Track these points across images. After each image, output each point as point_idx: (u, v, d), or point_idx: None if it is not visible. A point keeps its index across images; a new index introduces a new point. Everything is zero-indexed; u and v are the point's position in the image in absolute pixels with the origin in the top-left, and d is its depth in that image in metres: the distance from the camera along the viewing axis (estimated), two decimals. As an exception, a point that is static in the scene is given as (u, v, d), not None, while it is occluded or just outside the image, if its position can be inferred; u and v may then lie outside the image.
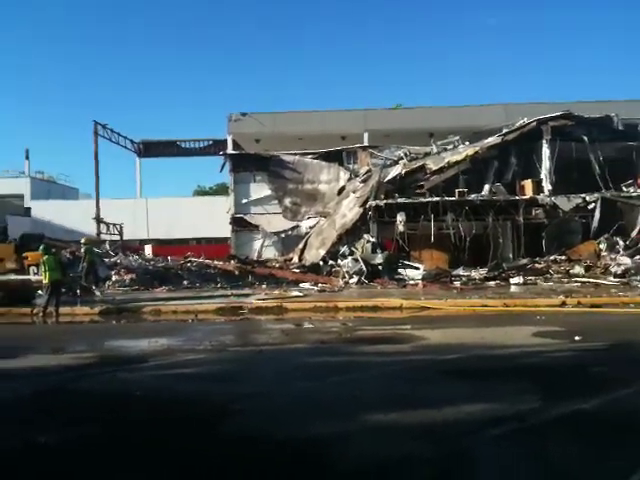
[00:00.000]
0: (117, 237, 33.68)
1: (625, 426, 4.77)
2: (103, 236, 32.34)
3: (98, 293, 18.22)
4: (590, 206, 23.84)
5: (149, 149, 43.31)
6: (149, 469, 4.16)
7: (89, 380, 7.17)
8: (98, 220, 32.45)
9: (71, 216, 36.41)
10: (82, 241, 20.48)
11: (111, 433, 4.96)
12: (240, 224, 29.28)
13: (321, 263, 23.23)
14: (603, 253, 21.59)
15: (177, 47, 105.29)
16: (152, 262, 23.84)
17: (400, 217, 23.53)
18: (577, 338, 8.96)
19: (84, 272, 18.98)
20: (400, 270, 21.40)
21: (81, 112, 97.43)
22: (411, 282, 19.86)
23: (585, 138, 24.39)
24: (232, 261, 23.50)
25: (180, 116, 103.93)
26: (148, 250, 30.54)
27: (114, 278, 20.42)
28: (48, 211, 38.80)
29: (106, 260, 22.96)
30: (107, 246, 29.11)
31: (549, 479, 3.82)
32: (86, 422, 5.26)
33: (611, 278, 18.43)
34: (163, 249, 30.86)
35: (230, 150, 30.52)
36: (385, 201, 24.20)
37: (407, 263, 22.09)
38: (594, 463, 4.04)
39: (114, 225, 33.68)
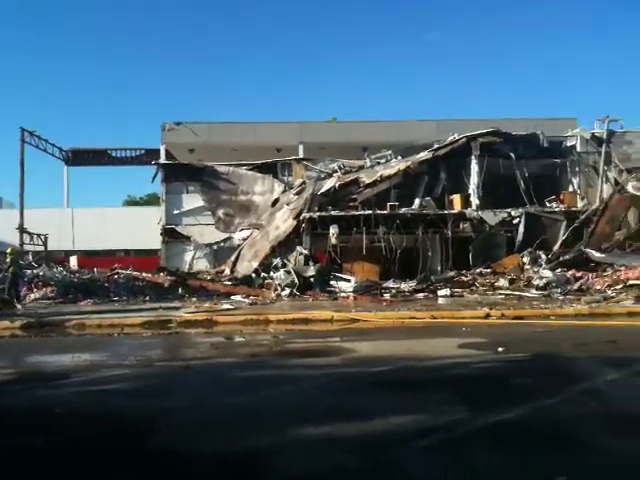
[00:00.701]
0: (41, 248, 32.43)
1: (547, 435, 4.92)
2: (26, 247, 31.05)
3: (19, 306, 17.45)
4: (515, 221, 24.76)
5: (78, 157, 41.89)
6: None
7: (8, 397, 6.83)
8: (21, 230, 31.14)
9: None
10: (7, 251, 19.57)
11: (26, 452, 4.72)
12: (171, 235, 28.71)
13: (253, 275, 23.06)
14: (526, 266, 22.40)
15: (110, 55, 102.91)
16: (77, 274, 23.03)
17: (333, 230, 23.72)
18: (500, 349, 9.21)
19: (7, 284, 18.16)
20: (332, 282, 21.54)
21: (7, 119, 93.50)
22: (342, 294, 19.98)
23: (512, 155, 25.38)
24: (162, 273, 23.00)
25: (112, 125, 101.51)
26: (73, 261, 29.52)
27: (34, 294, 19.54)
28: (-32, 220, 36.94)
29: (28, 272, 22.02)
30: (30, 257, 27.97)
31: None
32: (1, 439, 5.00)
33: (534, 291, 19.11)
34: (89, 260, 29.90)
35: (163, 160, 29.96)
36: (318, 213, 24.35)
37: (339, 275, 22.26)
38: (518, 471, 4.14)
39: (38, 235, 32.41)
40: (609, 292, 17.82)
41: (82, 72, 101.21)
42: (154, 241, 29.90)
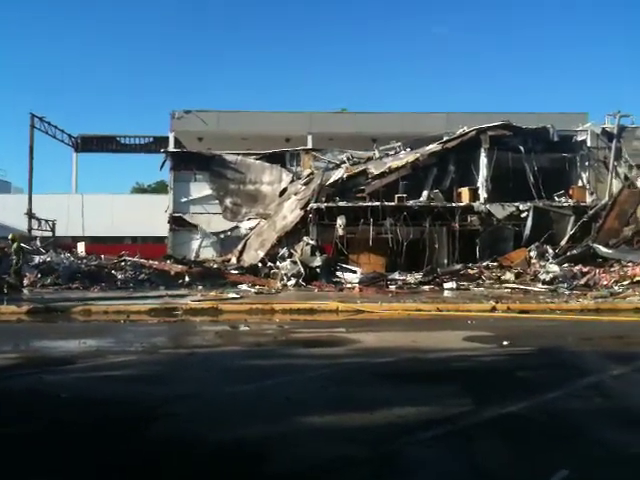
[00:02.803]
0: (49, 233, 32.52)
1: (552, 428, 4.92)
2: (34, 232, 31.14)
3: (26, 291, 17.55)
4: (523, 215, 24.67)
5: (87, 144, 41.97)
6: (75, 472, 4.00)
7: (14, 381, 6.87)
8: (30, 215, 31.24)
9: (1, 211, 34.91)
10: (9, 237, 19.62)
11: (32, 435, 4.75)
12: (178, 223, 28.75)
13: (259, 265, 23.10)
14: (533, 260, 22.33)
15: (120, 41, 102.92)
16: (84, 260, 23.10)
17: (340, 220, 23.70)
18: (506, 343, 9.20)
19: (13, 269, 18.25)
20: (338, 273, 21.55)
21: (18, 104, 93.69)
22: (348, 285, 19.99)
23: (521, 148, 25.26)
24: (168, 261, 23.04)
25: (121, 112, 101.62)
26: (81, 248, 29.57)
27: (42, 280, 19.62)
28: (-23, 205, 37.08)
29: (35, 257, 22.14)
30: (38, 243, 28.07)
31: (478, 479, 3.88)
32: (8, 423, 5.04)
33: (540, 285, 19.06)
34: (97, 247, 29.95)
35: (172, 148, 29.97)
36: (326, 204, 24.32)
37: (345, 266, 22.26)
38: (521, 463, 4.14)
39: (46, 221, 32.50)
40: (616, 288, 17.73)
41: (92, 59, 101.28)
42: (161, 229, 29.95)
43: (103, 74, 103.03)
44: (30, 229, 31.04)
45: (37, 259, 21.85)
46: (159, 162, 30.21)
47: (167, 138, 31.18)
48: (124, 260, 22.50)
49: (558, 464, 3.93)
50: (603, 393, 6.10)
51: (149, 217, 33.16)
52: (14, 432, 4.85)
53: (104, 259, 23.50)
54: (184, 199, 28.96)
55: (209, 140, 30.66)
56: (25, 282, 18.82)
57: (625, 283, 18.19)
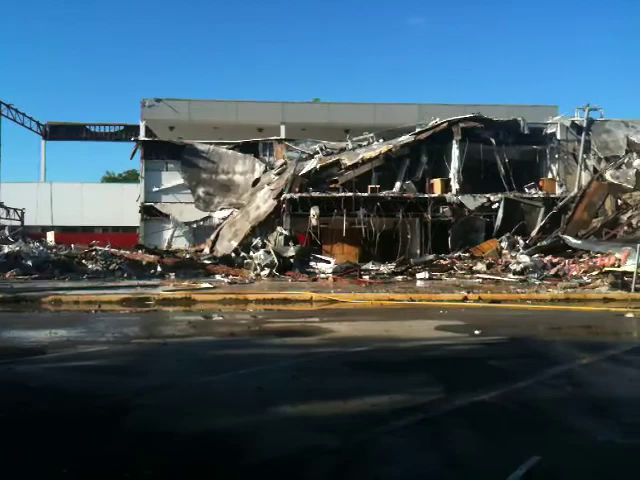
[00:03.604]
0: (18, 223, 31.95)
1: (522, 416, 4.99)
2: (2, 221, 30.58)
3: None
4: (494, 206, 24.96)
5: (56, 132, 41.28)
6: (42, 464, 3.94)
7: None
8: (-3, 204, 30.68)
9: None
10: None
11: (1, 426, 4.68)
12: (150, 213, 28.44)
13: (233, 255, 22.99)
14: (504, 251, 22.62)
15: (89, 25, 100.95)
16: (54, 250, 22.74)
17: (313, 211, 23.69)
18: (477, 332, 9.30)
19: None
20: (312, 263, 21.57)
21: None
22: (322, 275, 20.02)
23: (493, 140, 25.50)
24: (140, 251, 22.81)
25: (91, 100, 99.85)
26: (50, 237, 29.14)
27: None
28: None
29: (4, 247, 21.71)
30: (6, 232, 27.54)
31: (450, 467, 3.91)
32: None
33: (511, 275, 19.31)
34: (67, 237, 29.52)
35: (142, 137, 29.58)
36: (299, 194, 24.28)
37: (319, 257, 22.30)
38: (493, 450, 4.19)
39: (15, 210, 31.93)
40: (585, 278, 18.05)
41: (62, 45, 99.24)
42: (133, 218, 29.64)
43: (72, 61, 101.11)
44: (-2, 218, 30.48)
45: (6, 249, 21.41)
46: (130, 151, 29.87)
47: (138, 127, 30.77)
48: (95, 250, 22.18)
49: (529, 451, 3.99)
50: (572, 382, 6.21)
51: (120, 206, 32.82)
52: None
53: (74, 249, 23.17)
54: (155, 188, 28.64)
55: (180, 129, 30.35)
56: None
57: (594, 273, 18.52)
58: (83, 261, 20.91)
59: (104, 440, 4.39)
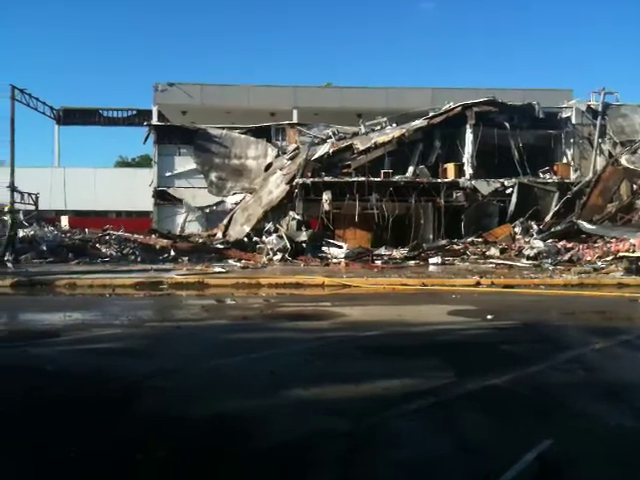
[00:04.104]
0: (32, 207, 32.15)
1: (534, 400, 4.98)
2: (17, 206, 30.72)
3: (10, 265, 17.38)
4: (508, 190, 24.77)
5: (69, 116, 41.34)
6: (55, 446, 3.99)
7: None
8: (12, 189, 30.82)
9: (-17, 184, 34.39)
10: (6, 208, 19.38)
11: (16, 409, 4.73)
12: (163, 197, 28.50)
13: (245, 239, 23.06)
14: (518, 236, 22.51)
15: (101, 9, 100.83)
16: (68, 234, 22.93)
17: (326, 196, 23.64)
18: (489, 317, 9.29)
19: (6, 242, 18.12)
20: (324, 248, 21.58)
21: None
22: (334, 260, 20.04)
23: (507, 124, 25.25)
24: (153, 235, 22.93)
25: (104, 85, 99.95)
26: (65, 222, 29.34)
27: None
28: (-43, 178, 36.49)
29: (20, 231, 21.91)
30: (21, 216, 27.74)
31: (461, 450, 3.92)
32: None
33: (524, 260, 19.23)
34: (81, 221, 29.71)
35: (155, 121, 29.55)
36: (312, 179, 24.23)
37: (331, 241, 22.30)
38: (505, 434, 4.19)
39: (29, 195, 32.10)
40: (599, 263, 17.94)
41: (76, 29, 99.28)
42: (146, 203, 29.71)
43: (85, 46, 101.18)
44: (13, 202, 30.59)
45: (20, 233, 21.62)
46: (143, 136, 29.87)
47: (150, 111, 30.73)
48: (108, 234, 22.35)
49: (541, 435, 3.99)
50: (585, 366, 6.18)
51: (133, 191, 32.90)
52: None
53: (88, 233, 23.36)
54: (168, 173, 28.67)
55: (193, 113, 30.30)
56: (7, 256, 18.63)
57: (608, 259, 18.40)
58: (97, 245, 21.10)
59: (117, 422, 4.43)
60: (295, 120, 28.95)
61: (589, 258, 18.92)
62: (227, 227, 25.46)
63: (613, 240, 20.16)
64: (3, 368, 6.15)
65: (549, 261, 18.68)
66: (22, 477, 3.59)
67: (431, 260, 19.88)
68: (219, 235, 24.95)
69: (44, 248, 19.92)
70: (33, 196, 32.25)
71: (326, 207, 23.60)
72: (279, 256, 20.17)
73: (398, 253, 21.19)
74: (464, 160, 25.37)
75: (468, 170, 25.17)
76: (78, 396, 5.06)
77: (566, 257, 19.26)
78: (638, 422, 4.44)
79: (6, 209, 19.34)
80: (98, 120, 42.11)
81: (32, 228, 23.11)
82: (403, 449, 3.92)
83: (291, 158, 26.26)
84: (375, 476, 3.56)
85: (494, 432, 4.24)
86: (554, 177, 25.54)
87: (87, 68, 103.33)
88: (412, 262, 19.81)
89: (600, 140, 26.37)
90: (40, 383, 5.49)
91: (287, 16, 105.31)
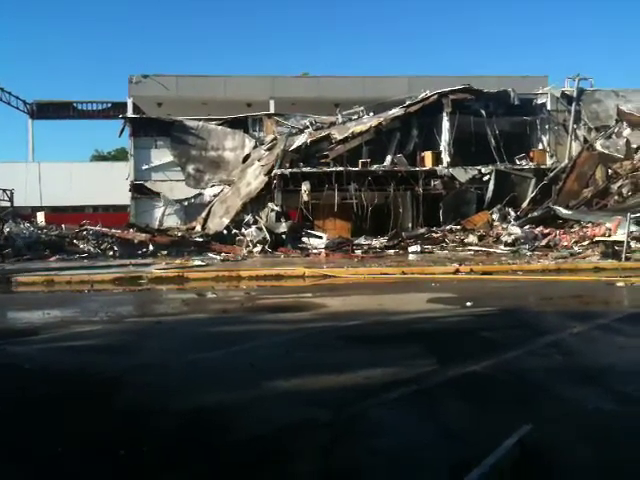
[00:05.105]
0: (7, 204, 31.69)
1: (514, 385, 5.04)
2: (-8, 202, 30.35)
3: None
4: (485, 178, 24.93)
5: (43, 110, 40.77)
6: (35, 444, 3.95)
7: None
8: (-14, 185, 30.39)
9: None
10: None
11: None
12: (140, 191, 28.21)
13: (225, 232, 22.97)
14: (495, 223, 22.70)
15: (73, 4, 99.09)
16: (45, 230, 22.63)
17: (305, 186, 23.62)
18: (469, 304, 9.36)
19: None
20: (304, 239, 21.60)
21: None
22: (314, 251, 20.05)
23: (483, 112, 25.39)
24: (131, 229, 22.72)
25: (78, 77, 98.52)
26: (41, 218, 28.96)
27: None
28: None
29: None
30: (-6, 213, 27.35)
31: (442, 437, 3.96)
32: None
33: (502, 247, 19.40)
34: (57, 217, 29.37)
35: (130, 114, 29.22)
36: (290, 170, 24.18)
37: (311, 232, 22.31)
38: (485, 420, 4.24)
39: (4, 191, 31.63)
40: (576, 248, 18.16)
41: (47, 22, 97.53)
42: (123, 197, 29.39)
43: (57, 38, 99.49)
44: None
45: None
46: (118, 129, 29.52)
47: (126, 104, 30.38)
48: (86, 229, 22.09)
49: (521, 420, 4.03)
50: (563, 351, 6.26)
51: (110, 185, 32.53)
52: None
53: (65, 229, 23.06)
54: (145, 166, 28.38)
55: (169, 105, 29.98)
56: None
57: (585, 243, 18.63)
58: (74, 241, 20.84)
59: (98, 419, 4.39)
60: (272, 110, 28.81)
61: (566, 243, 19.15)
62: (206, 220, 25.33)
63: (589, 225, 20.41)
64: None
65: (527, 247, 18.87)
66: (6, 475, 3.56)
67: (410, 249, 19.98)
68: (198, 228, 24.82)
69: (20, 245, 19.63)
70: (8, 192, 31.79)
71: (305, 198, 23.58)
72: (259, 248, 20.13)
73: (378, 242, 21.26)
74: (441, 148, 25.48)
75: (445, 158, 25.28)
76: (58, 393, 5.02)
77: (543, 243, 19.47)
78: (616, 405, 4.50)
79: None
80: (72, 114, 41.58)
81: (8, 225, 22.74)
82: (384, 437, 3.94)
83: (269, 149, 26.16)
84: (356, 465, 3.58)
85: (474, 418, 4.27)
86: (530, 163, 25.76)
87: (60, 61, 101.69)
88: (392, 251, 19.89)
89: (575, 126, 26.64)
90: (19, 382, 5.42)
91: (262, 3, 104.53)
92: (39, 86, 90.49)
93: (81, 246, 20.35)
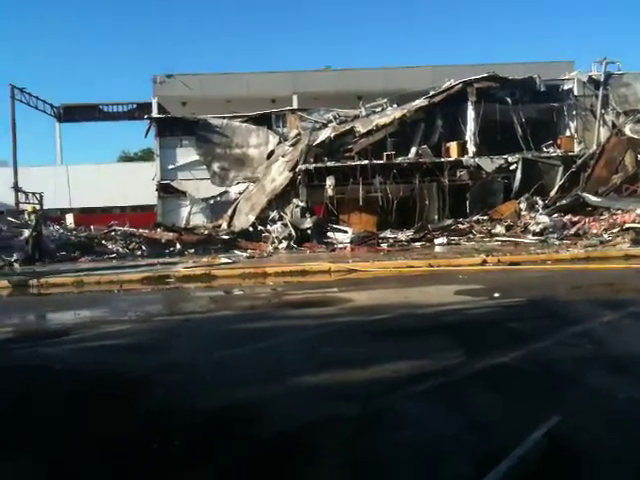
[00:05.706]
0: (37, 207, 32.28)
1: (543, 376, 4.98)
2: (22, 206, 30.92)
3: (17, 265, 17.46)
4: (512, 167, 24.61)
5: (70, 113, 41.40)
6: (66, 443, 4.03)
7: (6, 355, 6.87)
8: (16, 189, 30.99)
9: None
10: (29, 209, 19.55)
11: (24, 409, 4.77)
12: (167, 190, 28.52)
13: (251, 229, 23.07)
14: (523, 212, 22.41)
15: (97, 8, 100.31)
16: (74, 232, 23.00)
17: (329, 181, 23.60)
18: (496, 295, 9.27)
19: (31, 244, 18.28)
20: (329, 234, 21.58)
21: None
22: (340, 245, 20.04)
23: (508, 100, 25.02)
24: (158, 229, 22.97)
25: (103, 79, 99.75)
26: (70, 220, 29.44)
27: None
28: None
29: (25, 231, 21.98)
30: (26, 216, 27.88)
31: (469, 430, 3.92)
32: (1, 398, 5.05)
33: (530, 236, 19.16)
34: (86, 218, 29.84)
35: (155, 114, 29.50)
36: (314, 165, 24.17)
37: (336, 227, 22.28)
38: (514, 412, 4.19)
39: (33, 194, 32.24)
40: (606, 236, 17.85)
41: (71, 27, 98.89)
42: (150, 197, 29.74)
43: (81, 42, 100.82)
44: (17, 202, 30.82)
45: (26, 232, 21.68)
46: (144, 129, 29.85)
47: (150, 104, 30.68)
48: (114, 230, 22.40)
49: (550, 412, 3.99)
50: (593, 340, 6.16)
51: (137, 185, 32.92)
52: (7, 403, 4.87)
53: (93, 230, 23.41)
54: (171, 166, 28.66)
55: (193, 104, 30.21)
56: (15, 256, 18.72)
57: (614, 231, 18.29)
58: (103, 242, 21.12)
59: (130, 417, 4.46)
60: (295, 106, 28.82)
61: (595, 231, 18.83)
62: (232, 217, 25.47)
63: (619, 212, 20.05)
64: (11, 368, 6.19)
65: (555, 236, 18.60)
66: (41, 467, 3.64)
67: (437, 241, 19.84)
68: (224, 226, 24.97)
69: (50, 247, 19.97)
70: (37, 195, 32.39)
71: (330, 192, 23.56)
72: (284, 244, 20.19)
73: (403, 235, 21.15)
74: (467, 138, 25.20)
75: (471, 148, 25.01)
76: (89, 393, 5.09)
77: (572, 231, 19.18)
78: (648, 394, 4.42)
79: (29, 209, 19.52)
80: (99, 115, 42.15)
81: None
82: (411, 430, 3.93)
83: (293, 144, 26.17)
84: (382, 458, 3.57)
85: (502, 410, 4.24)
86: (558, 151, 25.35)
87: (86, 64, 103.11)
88: (418, 244, 19.78)
89: (603, 111, 26.11)
90: (49, 383, 5.52)
91: (282, 3, 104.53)
92: (66, 90, 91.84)
93: (110, 247, 20.62)
